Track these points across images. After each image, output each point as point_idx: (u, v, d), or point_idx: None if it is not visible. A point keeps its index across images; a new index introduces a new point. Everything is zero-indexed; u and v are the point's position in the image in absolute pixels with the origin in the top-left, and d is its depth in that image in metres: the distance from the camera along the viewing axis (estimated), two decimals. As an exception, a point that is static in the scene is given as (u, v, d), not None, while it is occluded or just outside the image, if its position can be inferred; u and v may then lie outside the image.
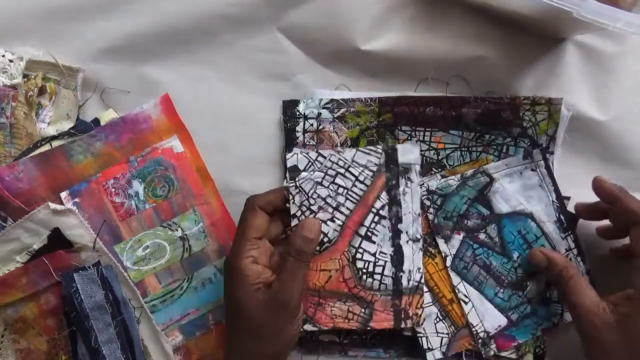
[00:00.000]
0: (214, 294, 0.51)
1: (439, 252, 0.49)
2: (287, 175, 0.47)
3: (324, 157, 0.47)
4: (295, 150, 0.48)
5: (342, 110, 0.50)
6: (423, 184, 0.49)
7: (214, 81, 0.51)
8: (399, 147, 0.48)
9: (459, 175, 0.49)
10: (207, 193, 0.50)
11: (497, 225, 0.49)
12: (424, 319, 0.48)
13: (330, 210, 0.47)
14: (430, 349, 0.49)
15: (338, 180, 0.47)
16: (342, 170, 0.47)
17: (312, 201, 0.47)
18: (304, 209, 0.46)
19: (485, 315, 0.49)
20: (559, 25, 0.47)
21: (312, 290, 0.47)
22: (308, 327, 0.47)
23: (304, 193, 0.46)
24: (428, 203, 0.49)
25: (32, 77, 0.49)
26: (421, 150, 0.50)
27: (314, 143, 0.50)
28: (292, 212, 0.46)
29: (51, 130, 0.49)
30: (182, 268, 0.50)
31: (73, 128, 0.49)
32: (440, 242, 0.49)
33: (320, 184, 0.47)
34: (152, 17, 0.49)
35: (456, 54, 0.49)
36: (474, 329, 0.48)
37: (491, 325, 0.49)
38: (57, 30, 0.49)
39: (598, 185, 0.46)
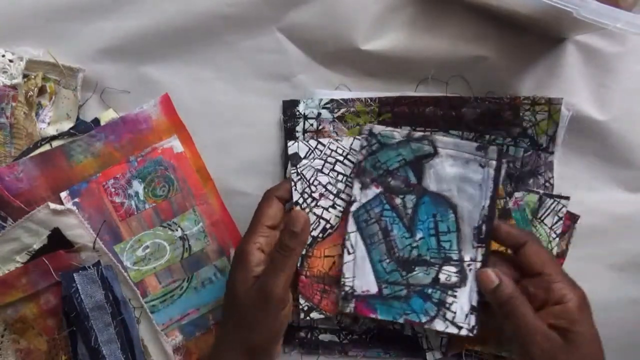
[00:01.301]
0: (214, 294, 0.51)
1: None
2: (289, 163, 0.47)
3: (323, 145, 0.48)
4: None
5: (342, 110, 0.50)
6: (366, 125, 0.47)
7: (214, 81, 0.51)
8: None
9: (406, 132, 0.47)
10: (207, 193, 0.50)
11: (417, 198, 0.46)
12: None
13: (331, 197, 0.47)
14: (430, 349, 0.49)
15: (337, 167, 0.47)
16: (340, 158, 0.48)
17: (313, 188, 0.47)
18: (305, 196, 0.47)
19: (360, 275, 0.46)
20: (559, 25, 0.47)
21: (317, 277, 0.47)
22: (315, 314, 0.47)
23: (305, 180, 0.47)
24: (365, 143, 0.47)
25: (32, 77, 0.49)
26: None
27: (314, 143, 0.50)
28: (295, 199, 0.46)
29: (51, 130, 0.49)
30: (182, 268, 0.50)
31: (73, 128, 0.49)
32: (356, 185, 0.47)
33: (321, 171, 0.47)
34: (152, 17, 0.49)
35: (456, 54, 0.49)
36: (343, 280, 0.46)
37: (360, 286, 0.46)
38: (57, 30, 0.49)
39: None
